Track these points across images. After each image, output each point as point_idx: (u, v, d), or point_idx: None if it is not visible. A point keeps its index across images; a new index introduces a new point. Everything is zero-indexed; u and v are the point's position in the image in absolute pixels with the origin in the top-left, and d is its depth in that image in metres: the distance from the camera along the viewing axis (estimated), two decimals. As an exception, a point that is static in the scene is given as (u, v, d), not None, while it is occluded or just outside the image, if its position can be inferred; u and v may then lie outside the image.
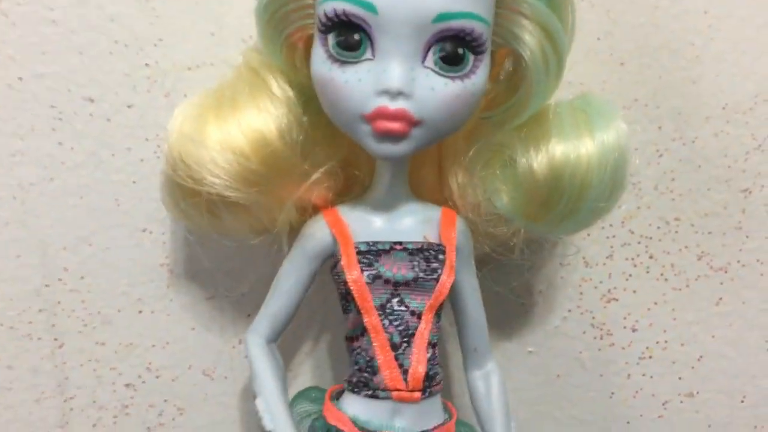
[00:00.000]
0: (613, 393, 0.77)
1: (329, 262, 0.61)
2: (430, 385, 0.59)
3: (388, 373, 0.57)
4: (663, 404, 0.77)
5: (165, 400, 0.76)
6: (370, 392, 0.58)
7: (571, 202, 0.57)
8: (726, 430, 0.78)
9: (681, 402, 0.77)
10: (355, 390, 0.59)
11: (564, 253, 0.75)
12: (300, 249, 0.62)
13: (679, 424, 0.77)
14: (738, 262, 0.75)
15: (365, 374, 0.58)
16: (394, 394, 0.58)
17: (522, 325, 0.76)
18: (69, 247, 0.73)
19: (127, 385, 0.76)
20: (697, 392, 0.77)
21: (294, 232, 0.64)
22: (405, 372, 0.58)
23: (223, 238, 0.65)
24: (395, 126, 0.53)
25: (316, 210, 0.62)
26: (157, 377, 0.76)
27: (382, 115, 0.53)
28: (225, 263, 0.74)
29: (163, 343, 0.75)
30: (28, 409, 0.76)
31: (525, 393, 0.77)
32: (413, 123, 0.53)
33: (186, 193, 0.59)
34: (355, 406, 0.59)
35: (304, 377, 0.77)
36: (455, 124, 0.55)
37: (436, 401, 0.60)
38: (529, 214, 0.59)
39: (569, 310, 0.76)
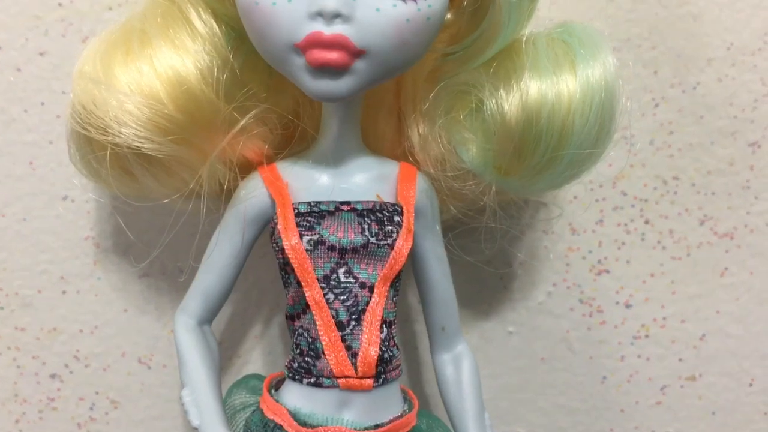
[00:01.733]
0: (604, 377, 0.69)
1: (269, 229, 0.52)
2: (384, 370, 0.50)
3: (333, 357, 0.48)
4: (661, 389, 0.69)
5: (96, 392, 0.69)
6: (313, 380, 0.49)
7: (550, 150, 0.48)
8: (732, 417, 0.70)
9: (681, 386, 0.70)
10: (296, 377, 0.50)
11: (547, 218, 0.66)
12: (233, 213, 0.53)
13: (679, 411, 0.70)
14: (745, 226, 0.67)
15: (307, 359, 0.49)
16: (341, 381, 0.49)
17: (501, 301, 0.68)
18: (-22, 218, 0.64)
19: (52, 376, 0.68)
20: (700, 375, 0.69)
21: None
22: (354, 355, 0.49)
23: (146, 202, 0.56)
24: (332, 56, 0.44)
25: (252, 168, 0.53)
26: (87, 366, 0.68)
27: (315, 42, 0.44)
28: (159, 236, 0.64)
29: (91, 327, 0.67)
30: (-59, 405, 0.67)
31: (505, 379, 0.69)
32: (355, 53, 0.44)
33: (95, 147, 0.50)
34: (296, 396, 0.50)
35: (254, 364, 0.68)
36: (406, 56, 0.46)
37: (393, 389, 0.52)
38: (500, 166, 0.50)
39: (554, 284, 0.68)
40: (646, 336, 0.68)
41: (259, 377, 0.56)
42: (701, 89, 0.64)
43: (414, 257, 0.54)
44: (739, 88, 0.64)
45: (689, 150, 0.65)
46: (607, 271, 0.67)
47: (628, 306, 0.68)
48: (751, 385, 0.69)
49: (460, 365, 0.56)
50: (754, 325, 0.68)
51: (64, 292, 0.66)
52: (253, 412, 0.52)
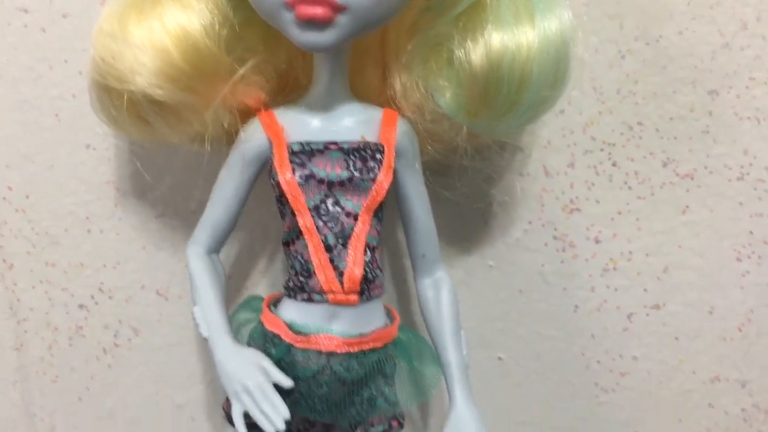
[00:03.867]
0: (576, 306, 0.75)
1: (267, 167, 0.59)
2: (368, 288, 0.57)
3: (323, 276, 0.56)
4: (628, 317, 0.75)
5: (119, 321, 0.76)
6: (306, 296, 0.56)
7: (512, 93, 0.54)
8: (693, 343, 0.76)
9: (647, 315, 0.75)
10: (292, 295, 0.57)
11: (523, 162, 0.72)
12: (236, 154, 0.59)
13: (645, 338, 0.75)
14: (705, 168, 0.72)
15: (301, 278, 0.57)
16: (330, 296, 0.56)
17: (482, 238, 0.74)
18: (12, 165, 0.72)
19: (80, 306, 0.75)
20: (664, 304, 0.75)
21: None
22: (341, 274, 0.56)
23: (159, 146, 0.62)
24: (317, 11, 0.50)
25: (252, 114, 0.60)
26: (110, 298, 0.75)
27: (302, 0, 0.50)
28: (173, 179, 0.72)
29: (114, 263, 0.74)
30: (-17, 333, 0.75)
31: (486, 309, 0.75)
32: (337, 8, 0.50)
33: (113, 96, 0.57)
34: (291, 311, 0.57)
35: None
36: (384, 11, 0.52)
37: (377, 306, 0.59)
38: (470, 110, 0.57)
39: (530, 222, 0.73)
40: (614, 269, 0.74)
41: (259, 298, 0.63)
42: (663, 42, 0.69)
43: (397, 193, 0.61)
44: (698, 40, 0.69)
45: (653, 98, 0.70)
46: (578, 210, 0.73)
47: (597, 241, 0.74)
48: (710, 313, 0.75)
49: (439, 289, 0.63)
50: (713, 258, 0.74)
51: (88, 231, 0.73)
52: (255, 326, 0.59)
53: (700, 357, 0.76)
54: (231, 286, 0.73)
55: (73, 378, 0.76)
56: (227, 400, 0.59)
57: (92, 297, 0.75)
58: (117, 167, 0.72)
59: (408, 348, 0.60)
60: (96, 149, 0.71)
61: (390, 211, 0.65)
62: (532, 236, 0.74)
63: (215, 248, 0.61)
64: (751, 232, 0.73)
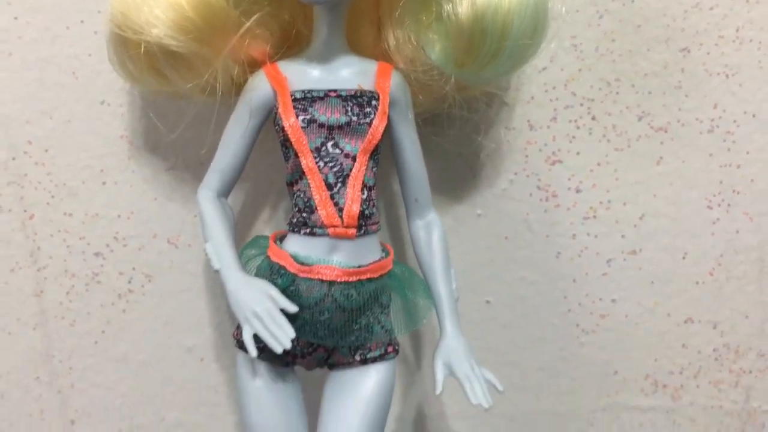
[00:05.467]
0: (559, 253, 0.80)
1: (272, 115, 0.64)
2: (365, 224, 0.62)
3: (324, 211, 0.61)
4: (607, 262, 0.80)
5: (133, 269, 0.81)
6: (308, 230, 0.62)
7: (494, 43, 0.59)
8: (667, 287, 0.81)
9: (624, 260, 0.80)
10: (295, 229, 0.63)
11: (509, 116, 0.77)
12: (243, 103, 0.65)
13: (622, 281, 0.81)
14: (678, 121, 0.77)
15: (304, 214, 0.62)
16: (331, 230, 0.61)
17: (470, 189, 0.79)
18: (32, 120, 0.77)
19: (96, 254, 0.80)
20: (640, 250, 0.80)
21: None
22: (340, 210, 0.61)
23: (174, 102, 0.67)
24: (317, -34, 0.55)
25: (258, 66, 0.65)
26: (124, 246, 0.80)
27: None
28: (183, 134, 0.76)
29: (127, 213, 0.79)
30: (5, 279, 0.80)
31: (475, 256, 0.80)
32: None
33: (130, 47, 0.62)
34: (295, 244, 0.62)
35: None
36: None
37: (373, 241, 0.64)
38: (457, 60, 0.62)
39: (515, 173, 0.79)
40: (594, 217, 0.80)
41: (265, 237, 0.68)
42: (639, 2, 0.75)
43: (391, 141, 0.66)
44: (671, 0, 0.74)
45: (629, 56, 0.76)
46: (560, 161, 0.79)
47: (578, 191, 0.79)
48: (683, 258, 0.81)
49: (430, 230, 0.68)
50: (686, 206, 0.79)
51: (103, 183, 0.78)
52: (262, 260, 0.64)
53: (673, 300, 0.81)
54: (237, 234, 0.77)
55: (89, 322, 0.81)
56: (237, 329, 0.65)
57: (107, 245, 0.80)
58: (130, 122, 0.77)
59: (402, 280, 0.66)
60: (110, 105, 0.76)
61: (386, 165, 0.71)
62: (517, 186, 0.79)
63: (224, 192, 0.66)
64: (720, 182, 0.78)
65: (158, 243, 0.80)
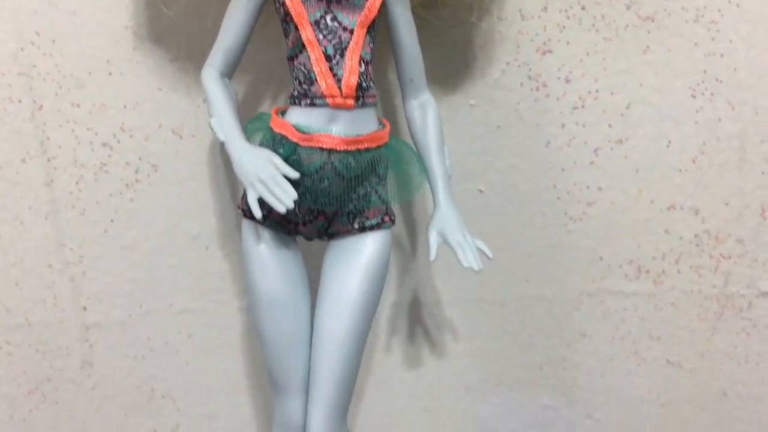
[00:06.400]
0: (549, 142, 0.84)
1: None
2: (363, 95, 0.66)
3: (323, 83, 0.64)
4: (594, 151, 0.84)
5: (139, 158, 0.84)
6: (308, 101, 0.65)
7: None
8: (651, 174, 0.85)
9: (611, 149, 0.84)
10: (296, 102, 0.66)
11: (501, 6, 0.79)
12: None
13: (609, 170, 0.84)
14: (664, 10, 0.80)
15: (304, 86, 0.65)
16: (330, 101, 0.64)
17: (464, 78, 0.82)
18: (38, 11, 0.79)
19: (103, 145, 0.83)
20: (626, 139, 0.83)
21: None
22: (339, 81, 0.64)
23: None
24: None
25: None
26: (131, 136, 0.83)
27: None
28: (186, 25, 0.79)
29: (133, 103, 0.82)
30: (16, 168, 0.83)
31: (468, 144, 0.84)
32: None
33: None
34: (296, 115, 0.66)
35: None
36: None
37: (370, 113, 0.67)
38: None
39: (507, 64, 0.81)
40: (583, 106, 0.83)
41: (267, 114, 0.71)
42: None
43: (387, 22, 0.69)
44: None
45: (618, -55, 0.78)
46: (551, 51, 0.81)
47: (567, 81, 0.82)
48: (668, 146, 0.84)
49: (425, 110, 0.72)
50: (671, 95, 0.82)
51: (109, 74, 0.81)
52: (265, 132, 0.68)
53: (657, 187, 0.85)
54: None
55: (98, 211, 0.85)
56: (242, 199, 0.68)
57: (114, 135, 0.83)
58: (134, 13, 0.79)
59: (398, 152, 0.69)
60: (115, -4, 0.78)
61: (381, 55, 0.73)
62: (509, 76, 0.82)
63: (227, 72, 0.69)
64: (704, 71, 0.81)
65: (163, 133, 0.83)
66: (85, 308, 0.87)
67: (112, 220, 0.85)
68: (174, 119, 0.82)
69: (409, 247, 0.87)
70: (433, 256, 0.68)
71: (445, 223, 0.68)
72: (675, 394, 0.90)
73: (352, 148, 0.65)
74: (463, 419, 0.91)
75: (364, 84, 0.65)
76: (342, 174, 0.65)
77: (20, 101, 0.81)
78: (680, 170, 0.84)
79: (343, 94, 0.64)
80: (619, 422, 0.91)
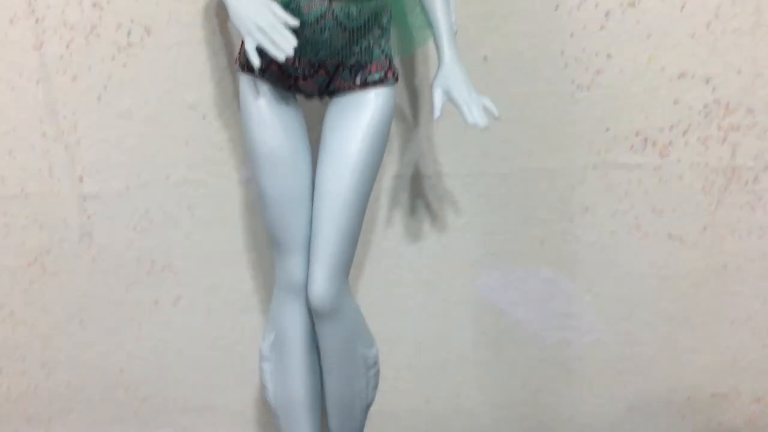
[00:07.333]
0: (557, 5, 0.81)
1: None
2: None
3: None
4: (605, 15, 0.81)
5: (131, 21, 0.81)
6: None
7: None
8: (663, 40, 0.82)
9: (623, 13, 0.81)
10: None
11: None
12: None
13: (620, 35, 0.81)
14: None
15: None
16: None
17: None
18: None
19: (93, 5, 0.80)
20: (639, 1, 0.80)
21: None
22: None
23: None
24: None
25: None
26: (122, -5, 0.79)
27: None
28: None
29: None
30: (4, 30, 0.80)
31: (475, 6, 0.80)
32: None
33: None
34: None
35: None
36: None
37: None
38: None
39: None
40: (595, -34, 0.79)
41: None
42: None
43: None
44: None
45: None
46: None
47: (579, -63, 0.78)
48: (681, 10, 0.81)
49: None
50: (688, -46, 0.79)
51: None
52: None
53: (668, 53, 0.82)
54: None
55: (91, 77, 0.82)
56: (240, 52, 0.66)
57: (105, -5, 0.79)
58: None
59: (401, 3, 0.66)
60: None
61: None
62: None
63: None
64: (724, -73, 0.77)
65: (156, -8, 0.79)
66: (81, 178, 0.86)
67: (105, 87, 0.83)
68: (169, -25, 0.78)
69: (410, 116, 0.85)
70: (437, 113, 0.66)
71: (450, 80, 0.66)
72: (675, 269, 0.90)
73: (354, -4, 0.62)
74: (464, 292, 0.91)
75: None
76: (344, 24, 0.62)
77: (4, -44, 0.77)
78: (693, 35, 0.81)
79: None
80: (618, 296, 0.91)
